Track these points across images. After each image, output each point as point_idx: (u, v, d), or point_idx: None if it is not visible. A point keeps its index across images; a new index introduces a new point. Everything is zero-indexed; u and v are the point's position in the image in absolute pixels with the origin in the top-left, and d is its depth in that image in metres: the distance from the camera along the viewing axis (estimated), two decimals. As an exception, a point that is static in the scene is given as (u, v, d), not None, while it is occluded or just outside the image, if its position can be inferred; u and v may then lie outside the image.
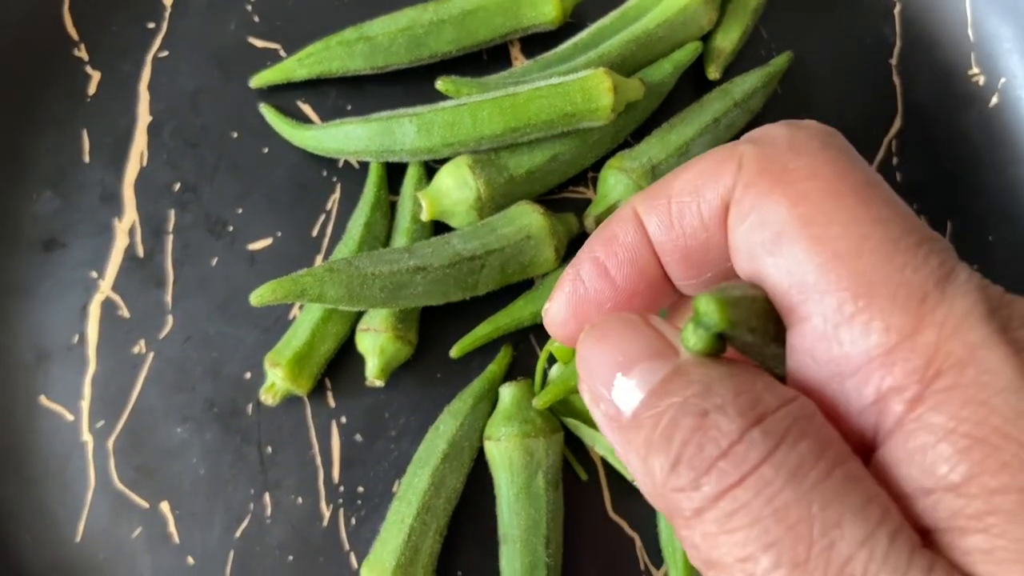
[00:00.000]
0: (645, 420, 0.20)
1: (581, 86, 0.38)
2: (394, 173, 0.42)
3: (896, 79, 0.45)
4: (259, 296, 0.34)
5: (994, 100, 0.45)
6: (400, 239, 0.40)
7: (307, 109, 0.43)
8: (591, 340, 0.22)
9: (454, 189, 0.39)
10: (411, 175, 0.41)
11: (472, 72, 0.43)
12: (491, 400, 0.38)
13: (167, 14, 0.43)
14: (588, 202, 0.42)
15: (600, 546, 0.38)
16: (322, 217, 0.41)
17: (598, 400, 0.22)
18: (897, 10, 0.46)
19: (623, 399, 0.21)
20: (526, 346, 0.40)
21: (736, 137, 0.42)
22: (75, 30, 0.43)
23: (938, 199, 0.44)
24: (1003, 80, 0.45)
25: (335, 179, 0.42)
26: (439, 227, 0.40)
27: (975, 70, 0.45)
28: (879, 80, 0.45)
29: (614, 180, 0.40)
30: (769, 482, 0.18)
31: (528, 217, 0.39)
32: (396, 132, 0.40)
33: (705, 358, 0.21)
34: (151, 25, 0.43)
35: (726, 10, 0.44)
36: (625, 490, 0.38)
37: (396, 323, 0.38)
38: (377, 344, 0.38)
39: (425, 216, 0.39)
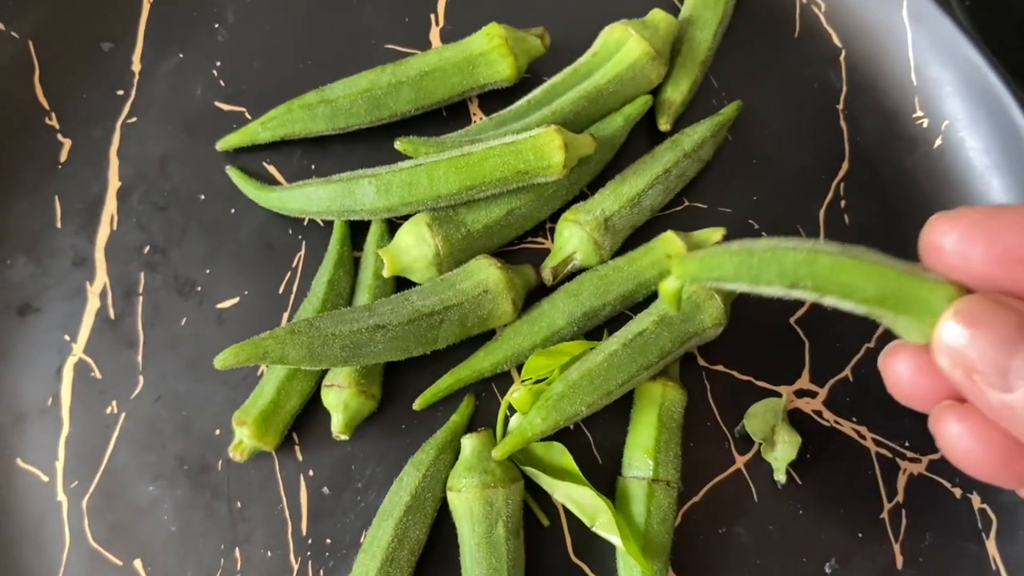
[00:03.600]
0: None
1: (533, 144, 0.40)
2: (359, 229, 0.43)
3: (843, 123, 0.47)
4: (222, 360, 0.35)
5: (938, 142, 0.46)
6: (363, 295, 0.41)
7: (272, 170, 0.44)
8: (966, 324, 0.24)
9: (413, 246, 0.40)
10: (374, 232, 0.43)
11: (433, 128, 0.44)
12: (454, 450, 0.39)
13: (135, 80, 0.45)
14: (547, 252, 0.43)
15: (562, 590, 0.39)
16: (288, 274, 0.43)
17: (981, 379, 0.23)
18: (842, 56, 0.48)
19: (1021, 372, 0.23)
20: (488, 395, 0.41)
21: (686, 187, 0.44)
22: (45, 99, 0.44)
23: (886, 240, 0.44)
24: (946, 122, 0.46)
25: (300, 237, 0.43)
26: (401, 282, 0.42)
27: (919, 113, 0.47)
28: (827, 125, 0.47)
29: (569, 232, 0.42)
30: None
31: (485, 272, 0.40)
32: (356, 192, 0.41)
33: None
34: (120, 92, 0.45)
35: (675, 63, 0.46)
36: (586, 534, 0.39)
37: (359, 378, 0.39)
38: (341, 400, 0.39)
39: (387, 273, 0.40)
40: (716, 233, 0.43)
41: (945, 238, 0.26)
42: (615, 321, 0.42)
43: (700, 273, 0.29)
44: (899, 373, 0.28)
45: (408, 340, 0.38)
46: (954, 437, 0.27)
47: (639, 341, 0.39)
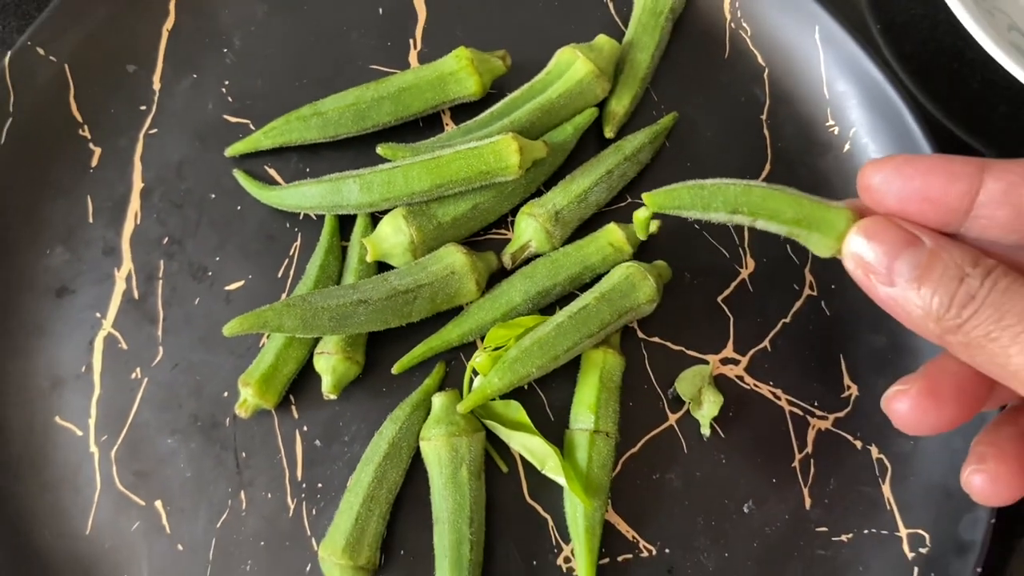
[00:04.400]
0: (919, 285, 0.31)
1: (493, 149, 0.47)
2: (347, 222, 0.50)
3: (766, 131, 0.54)
4: (230, 328, 0.42)
5: (847, 147, 0.53)
6: (349, 278, 0.48)
7: (273, 172, 0.51)
8: (866, 237, 0.32)
9: (392, 235, 0.47)
10: (359, 225, 0.49)
11: (410, 137, 0.51)
12: (426, 407, 0.46)
13: (156, 97, 0.52)
14: (508, 242, 0.50)
15: (518, 526, 0.46)
16: (286, 261, 0.50)
17: (871, 272, 0.32)
18: (766, 74, 0.55)
19: (898, 274, 0.31)
20: (456, 363, 0.48)
21: (628, 186, 0.51)
22: (79, 113, 0.51)
23: (802, 230, 0.52)
24: (853, 130, 0.53)
25: (296, 230, 0.50)
26: (382, 266, 0.49)
27: (831, 122, 0.54)
28: (752, 132, 0.54)
29: (525, 224, 0.49)
30: (998, 298, 0.29)
31: (453, 257, 0.47)
32: (343, 191, 0.48)
33: (942, 237, 0.31)
34: (142, 107, 0.52)
35: (619, 80, 0.53)
36: (539, 479, 0.45)
37: (346, 346, 0.46)
38: (330, 364, 0.46)
39: (369, 258, 0.47)
40: (652, 224, 0.50)
41: (873, 178, 0.33)
42: (565, 300, 0.48)
43: (664, 203, 0.36)
44: (901, 411, 0.35)
45: (387, 313, 0.45)
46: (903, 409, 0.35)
47: (583, 314, 0.46)
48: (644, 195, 0.36)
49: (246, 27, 0.54)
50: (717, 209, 0.36)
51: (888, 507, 0.47)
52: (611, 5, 0.56)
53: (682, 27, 0.56)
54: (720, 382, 0.49)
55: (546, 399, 0.48)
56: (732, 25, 0.56)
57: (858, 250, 0.32)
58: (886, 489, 0.47)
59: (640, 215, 0.39)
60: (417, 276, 0.46)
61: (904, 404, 0.34)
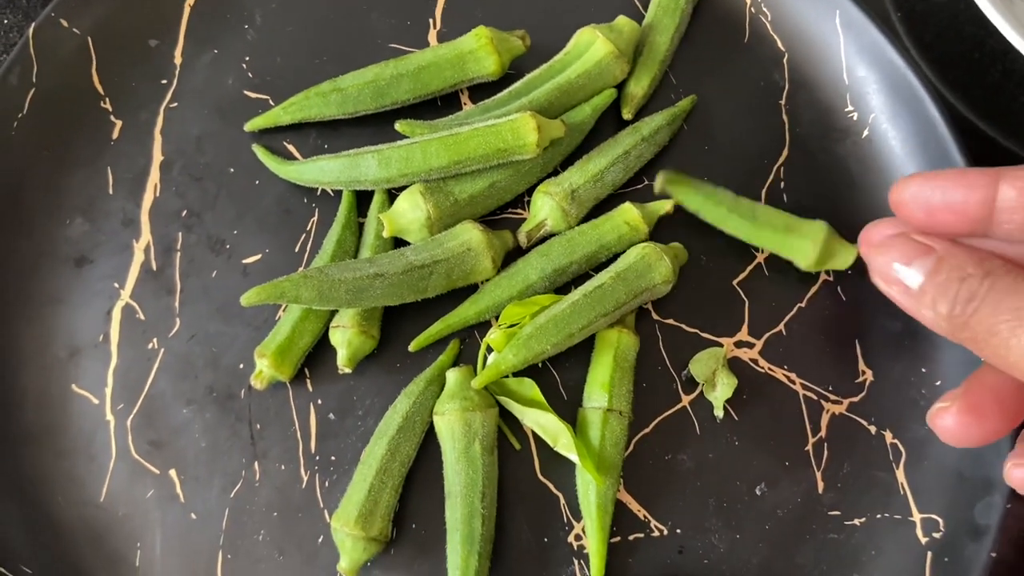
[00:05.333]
0: (929, 288, 0.33)
1: (511, 127, 0.47)
2: (364, 198, 0.50)
3: (784, 116, 0.54)
4: (248, 298, 0.42)
5: (866, 132, 0.53)
6: (366, 253, 0.48)
7: (291, 148, 0.51)
8: (886, 252, 0.35)
9: (409, 211, 0.47)
10: (376, 200, 0.50)
11: (428, 115, 0.51)
12: (440, 383, 0.46)
13: (177, 72, 0.52)
14: (524, 221, 0.50)
15: (530, 503, 0.46)
16: (303, 236, 0.50)
17: (891, 283, 0.34)
18: (785, 59, 0.55)
19: (911, 279, 0.33)
20: (471, 341, 0.48)
21: (644, 167, 0.51)
22: (101, 86, 0.52)
23: (818, 218, 0.52)
24: (873, 115, 0.53)
25: (314, 205, 0.50)
26: (399, 243, 0.49)
27: (850, 107, 0.54)
28: (770, 117, 0.54)
29: (541, 202, 0.49)
30: (996, 295, 0.31)
31: (469, 234, 0.47)
32: (361, 166, 0.48)
33: (951, 244, 0.33)
34: (164, 81, 0.52)
35: (638, 62, 0.53)
36: (552, 456, 0.46)
37: (361, 320, 0.46)
38: (346, 338, 0.46)
39: (386, 233, 0.47)
40: (667, 204, 0.50)
41: (903, 195, 0.36)
42: (580, 279, 0.48)
43: (679, 194, 0.46)
44: (945, 427, 0.37)
45: (402, 288, 0.45)
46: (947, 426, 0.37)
47: (598, 293, 0.46)
48: (666, 177, 0.40)
49: (267, 4, 0.54)
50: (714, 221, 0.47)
51: (902, 491, 0.47)
52: (631, -13, 0.56)
53: (702, 10, 0.55)
54: (734, 365, 0.49)
55: (560, 378, 0.48)
56: (752, 10, 0.55)
57: (880, 265, 0.35)
58: (900, 474, 0.47)
59: (657, 186, 0.45)
60: (433, 252, 0.46)
61: (948, 420, 0.37)
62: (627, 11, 0.54)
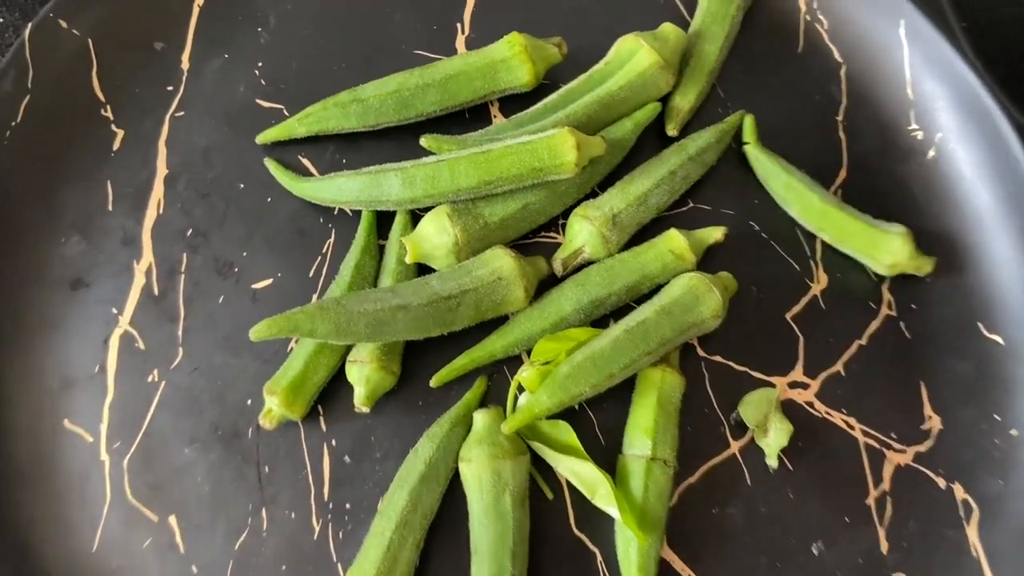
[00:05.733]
0: None
1: (548, 144, 0.43)
2: (384, 220, 0.46)
3: (842, 134, 0.50)
4: (257, 332, 0.38)
5: (931, 153, 0.49)
6: (387, 279, 0.44)
7: (307, 163, 0.48)
8: None
9: (434, 235, 0.43)
10: (398, 222, 0.46)
11: (456, 129, 0.48)
12: (466, 425, 0.42)
13: (184, 77, 0.49)
14: (558, 247, 0.46)
15: (564, 560, 0.41)
16: (318, 259, 0.46)
17: None
18: (843, 71, 0.51)
19: None
20: (500, 376, 0.44)
21: (691, 189, 0.47)
22: (101, 92, 0.48)
23: (880, 243, 0.48)
24: (939, 135, 0.49)
25: (330, 225, 0.47)
26: (422, 269, 0.45)
27: (914, 126, 0.49)
28: (826, 135, 0.50)
29: (579, 227, 0.45)
30: None
31: (500, 260, 0.43)
32: (383, 185, 0.44)
33: None
34: (169, 88, 0.48)
35: (684, 73, 0.49)
36: (588, 509, 0.41)
37: (381, 355, 0.42)
38: (364, 374, 0.42)
39: (409, 259, 0.43)
40: (717, 231, 0.45)
41: None
42: (620, 311, 0.44)
43: (753, 159, 0.48)
44: None
45: (427, 321, 0.41)
46: None
47: (641, 328, 0.42)
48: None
49: (283, 5, 0.50)
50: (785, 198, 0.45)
51: (974, 553, 0.42)
52: (676, -8, 0.52)
53: (753, 18, 0.51)
54: (788, 408, 0.44)
55: (597, 420, 0.44)
56: (807, 17, 0.51)
57: None
58: (972, 533, 0.43)
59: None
60: (461, 281, 0.42)
61: None
62: (672, 17, 0.50)
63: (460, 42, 0.50)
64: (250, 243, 0.46)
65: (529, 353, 0.43)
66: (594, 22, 0.50)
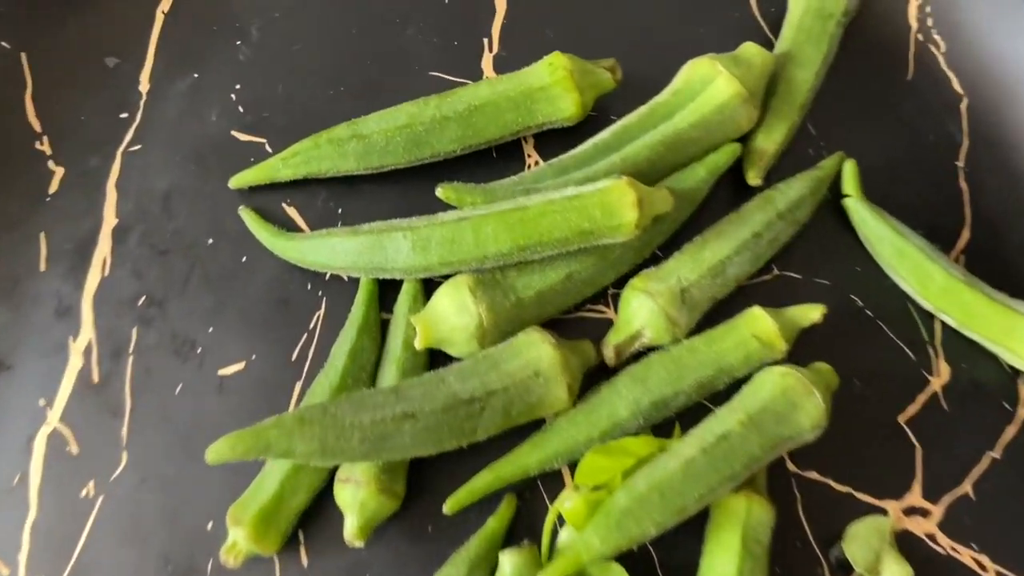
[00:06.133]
0: None
1: (601, 199, 0.34)
2: (389, 288, 0.38)
3: (963, 183, 0.41)
4: (216, 452, 0.29)
5: (1080, 211, 0.39)
6: (390, 368, 0.35)
7: (293, 213, 0.39)
8: None
9: (452, 314, 0.34)
10: (406, 293, 0.37)
11: (481, 174, 0.40)
12: (489, 567, 0.33)
13: (142, 103, 0.41)
14: (607, 323, 0.38)
15: None
16: (304, 337, 0.37)
17: None
18: (964, 105, 0.41)
19: None
20: (533, 496, 0.35)
21: (778, 254, 0.38)
22: (37, 120, 0.40)
23: (1015, 326, 0.38)
24: (1090, 188, 0.39)
25: (320, 293, 0.38)
26: (435, 355, 0.36)
27: (1057, 175, 0.40)
28: (944, 184, 0.41)
29: (637, 304, 0.36)
30: None
31: (537, 349, 0.34)
32: (388, 248, 0.35)
33: None
34: (123, 115, 0.41)
35: (769, 106, 0.40)
36: (647, 678, 0.32)
37: (380, 473, 0.33)
38: (358, 499, 0.33)
39: (419, 344, 0.35)
40: (813, 311, 0.36)
41: None
42: (689, 413, 0.35)
43: (854, 213, 0.39)
44: None
45: (441, 432, 0.32)
46: None
47: (722, 447, 0.33)
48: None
49: (268, 13, 0.43)
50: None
51: None
52: (753, 1, 0.42)
53: (851, 37, 0.42)
54: (904, 542, 0.35)
55: (656, 556, 0.35)
56: (919, 36, 0.42)
57: None
58: None
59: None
60: (486, 377, 0.33)
61: None
62: (751, 35, 0.41)
63: (487, 62, 0.42)
64: (218, 316, 0.37)
65: (572, 469, 0.34)
66: (656, 40, 0.43)
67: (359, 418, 0.31)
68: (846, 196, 0.40)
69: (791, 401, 0.34)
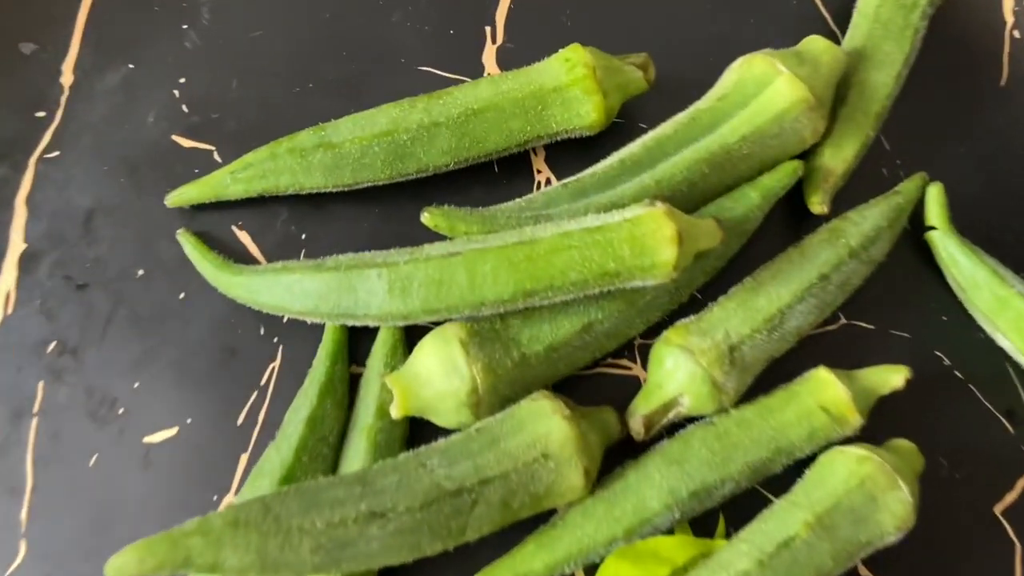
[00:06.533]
0: None
1: (631, 232, 0.28)
2: (362, 333, 0.31)
3: (1074, 214, 0.33)
4: (118, 567, 0.22)
5: None
6: (358, 442, 0.29)
7: (245, 238, 0.32)
8: None
9: (439, 376, 0.28)
10: (383, 342, 0.31)
11: (478, 190, 0.35)
12: None
13: (63, 99, 0.35)
14: (634, 382, 0.31)
15: None
16: (254, 396, 0.30)
17: None
18: (1072, 117, 0.34)
19: None
20: (537, 604, 0.28)
21: (854, 298, 0.31)
22: (-67, 120, 0.32)
23: None
24: None
25: (276, 340, 0.31)
26: (417, 424, 0.29)
27: None
28: (1048, 215, 0.33)
29: (674, 363, 0.29)
30: None
31: (545, 422, 0.27)
32: (359, 289, 0.29)
33: None
34: (40, 114, 0.35)
35: (838, 115, 0.33)
36: None
37: (342, 582, 0.25)
38: (309, 616, 0.25)
39: (396, 412, 0.28)
40: (894, 375, 0.29)
41: None
42: (738, 503, 0.29)
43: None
44: None
45: (420, 534, 0.25)
46: None
47: (784, 557, 0.26)
48: None
49: None
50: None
51: None
52: (814, -13, 0.35)
53: (933, 33, 0.36)
54: (1007, 671, 0.28)
55: None
56: (1015, 34, 0.35)
57: None
58: None
59: None
60: (481, 460, 0.27)
61: None
62: (810, 25, 0.34)
63: (489, 55, 0.37)
64: (146, 368, 0.31)
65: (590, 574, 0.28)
66: (697, 31, 0.36)
67: (311, 520, 0.24)
68: (930, 228, 0.32)
69: (870, 495, 0.28)
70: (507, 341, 0.29)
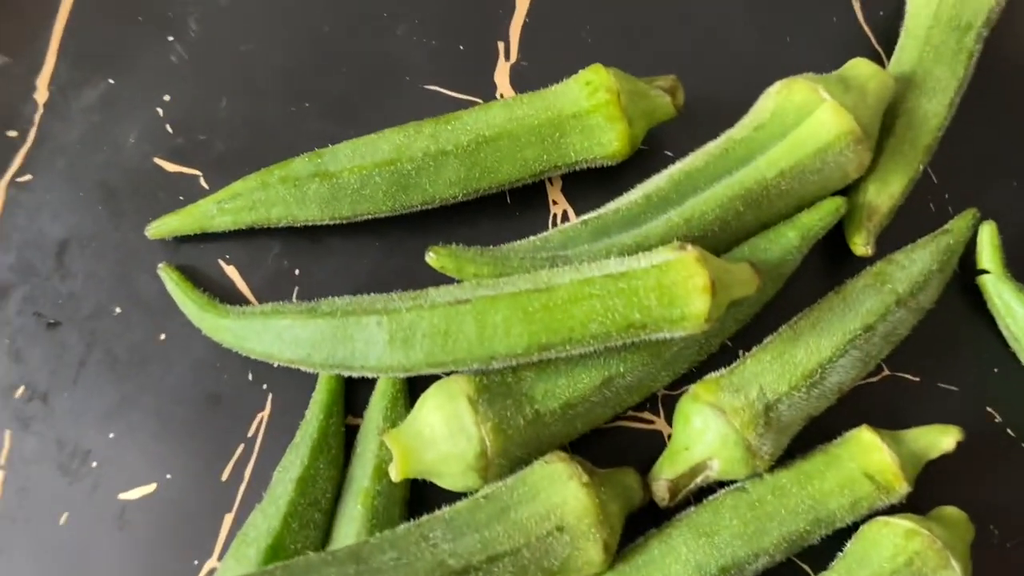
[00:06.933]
0: None
1: (659, 280, 0.25)
2: (360, 382, 0.28)
3: None
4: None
5: None
6: (353, 506, 0.27)
7: (232, 273, 0.30)
8: None
9: (443, 436, 0.25)
10: (382, 393, 0.29)
11: (488, 225, 0.32)
12: None
13: (37, 117, 0.32)
14: (656, 437, 0.29)
15: None
16: (240, 449, 0.28)
17: None
18: None
19: None
20: None
21: (902, 349, 0.28)
22: None
23: None
24: None
25: (265, 387, 0.29)
26: (420, 487, 0.27)
27: None
28: (1110, 256, 0.30)
29: (703, 422, 0.27)
30: None
31: (561, 489, 0.25)
32: (357, 338, 0.26)
33: None
34: (11, 133, 0.32)
35: (884, 147, 0.30)
36: None
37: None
38: None
39: (396, 475, 0.25)
40: (945, 436, 0.26)
41: None
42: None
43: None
44: None
45: None
46: None
47: None
48: None
49: (211, 1, 0.31)
50: None
51: None
52: (856, 3, 0.32)
53: (982, 57, 0.32)
54: None
55: None
56: None
57: None
58: None
59: None
60: (488, 533, 0.25)
61: None
62: (854, 47, 0.31)
63: (502, 75, 0.34)
64: (122, 417, 0.29)
65: (608, 659, 0.25)
66: (730, 51, 0.33)
67: (299, 606, 0.22)
68: (982, 271, 0.30)
69: (918, 573, 0.25)
70: (519, 397, 0.26)
